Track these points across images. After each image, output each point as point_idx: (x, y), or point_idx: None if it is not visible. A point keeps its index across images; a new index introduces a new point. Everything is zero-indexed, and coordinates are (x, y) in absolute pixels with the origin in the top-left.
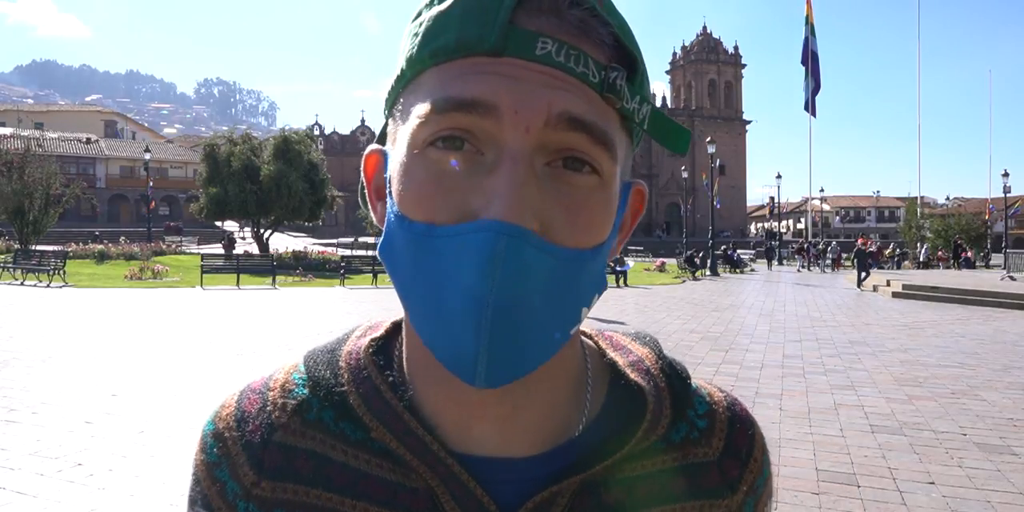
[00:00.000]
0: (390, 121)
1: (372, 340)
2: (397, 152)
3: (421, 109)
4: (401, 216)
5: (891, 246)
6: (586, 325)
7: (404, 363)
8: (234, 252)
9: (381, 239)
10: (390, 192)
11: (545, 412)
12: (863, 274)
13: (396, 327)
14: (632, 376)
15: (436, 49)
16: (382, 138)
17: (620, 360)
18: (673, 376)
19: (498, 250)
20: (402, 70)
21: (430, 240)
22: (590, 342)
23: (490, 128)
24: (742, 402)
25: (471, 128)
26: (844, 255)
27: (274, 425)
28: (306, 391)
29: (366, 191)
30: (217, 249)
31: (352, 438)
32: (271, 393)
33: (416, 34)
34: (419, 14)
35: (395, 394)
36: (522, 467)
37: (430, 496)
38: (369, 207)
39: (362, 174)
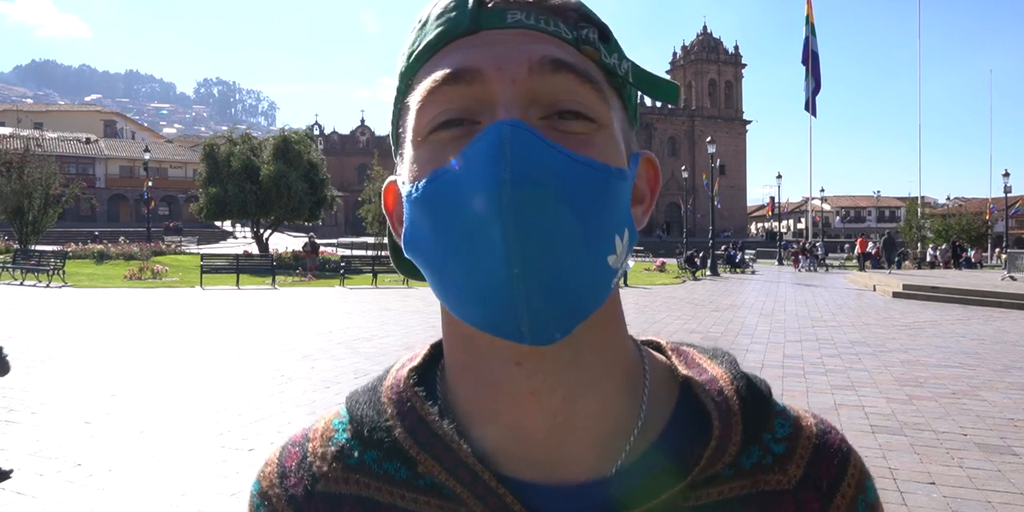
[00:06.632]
0: (396, 147)
1: (410, 370)
2: (406, 154)
3: (415, 101)
4: (411, 185)
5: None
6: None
7: (448, 381)
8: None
9: (403, 238)
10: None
11: (599, 412)
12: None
13: (434, 351)
14: (703, 397)
15: (420, 52)
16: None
17: (694, 379)
18: (749, 398)
19: (504, 135)
20: (397, 88)
21: (437, 180)
22: (661, 356)
23: (480, 93)
24: (840, 433)
25: (464, 100)
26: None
27: (316, 476)
28: (347, 435)
29: (389, 222)
30: (219, 249)
31: (397, 478)
32: (311, 444)
33: (403, 53)
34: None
35: (442, 421)
36: (575, 495)
37: None
38: (395, 236)
39: (383, 208)
